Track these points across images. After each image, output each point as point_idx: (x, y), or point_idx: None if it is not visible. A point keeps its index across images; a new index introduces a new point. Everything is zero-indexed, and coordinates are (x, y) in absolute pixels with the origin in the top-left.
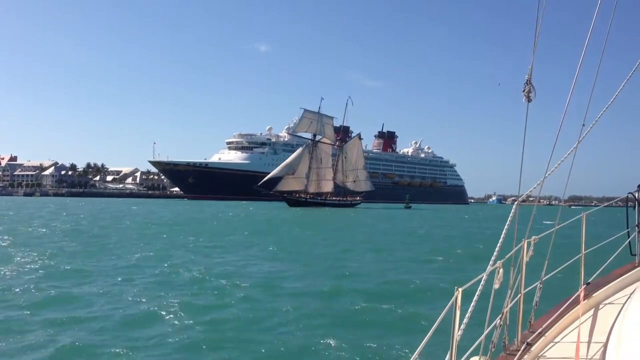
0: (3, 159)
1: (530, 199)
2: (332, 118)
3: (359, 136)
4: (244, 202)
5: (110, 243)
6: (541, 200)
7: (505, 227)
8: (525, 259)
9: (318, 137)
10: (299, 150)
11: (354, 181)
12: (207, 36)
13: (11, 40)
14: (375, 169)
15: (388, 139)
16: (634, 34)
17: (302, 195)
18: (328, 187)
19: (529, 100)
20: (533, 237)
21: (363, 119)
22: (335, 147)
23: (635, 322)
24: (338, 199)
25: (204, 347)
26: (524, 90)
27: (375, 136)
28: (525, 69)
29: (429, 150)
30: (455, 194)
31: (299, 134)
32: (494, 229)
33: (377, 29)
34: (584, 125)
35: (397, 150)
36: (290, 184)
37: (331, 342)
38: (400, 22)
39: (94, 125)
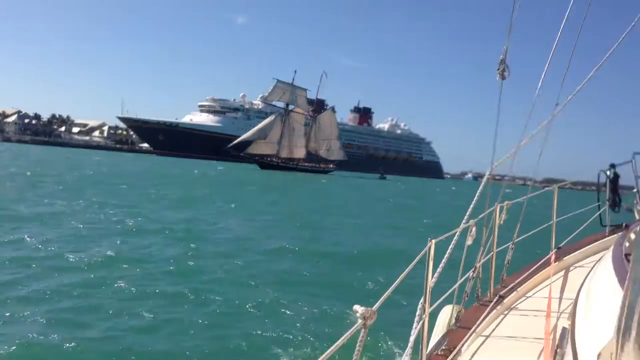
0: None
1: (506, 177)
2: (305, 90)
3: (333, 109)
4: (214, 162)
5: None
6: (516, 180)
7: (478, 192)
8: (498, 221)
9: (291, 107)
10: (271, 117)
11: (327, 149)
12: (185, 3)
13: None
14: (350, 140)
15: (364, 114)
16: (612, 15)
17: (274, 159)
18: (300, 153)
19: (503, 78)
20: (506, 202)
21: (339, 97)
22: (309, 117)
23: (605, 279)
24: (311, 165)
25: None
26: (498, 69)
27: (351, 111)
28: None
29: (405, 127)
30: (431, 169)
31: (272, 102)
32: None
33: (356, 7)
34: (557, 104)
35: (373, 126)
36: (261, 148)
37: (293, 300)
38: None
39: (60, 77)
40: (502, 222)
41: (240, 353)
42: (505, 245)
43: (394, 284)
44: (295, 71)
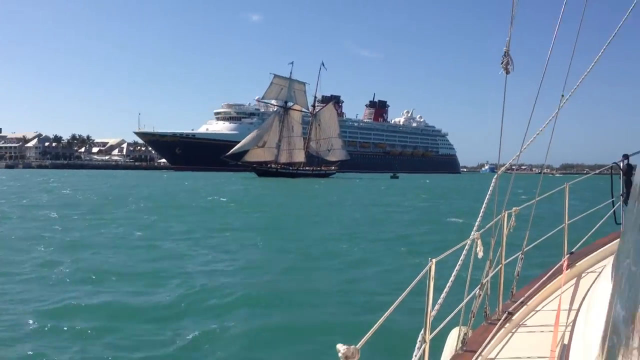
0: None
1: (523, 167)
2: (304, 84)
3: (334, 103)
4: (220, 172)
5: None
6: (533, 169)
7: (486, 200)
8: (506, 230)
9: (289, 105)
10: (269, 119)
11: (328, 150)
12: (196, 4)
13: None
14: (366, 138)
15: (379, 108)
16: (612, 2)
17: (273, 165)
18: (300, 156)
19: (507, 72)
20: (514, 208)
21: (355, 89)
22: (309, 114)
23: (605, 287)
24: (311, 168)
25: None
26: (502, 63)
27: (366, 106)
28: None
29: (421, 120)
30: (447, 164)
31: (270, 101)
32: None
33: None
34: (563, 95)
35: (389, 120)
36: (258, 155)
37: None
38: None
39: (80, 97)
40: (511, 230)
41: None
42: (515, 256)
43: (383, 316)
44: (292, 63)
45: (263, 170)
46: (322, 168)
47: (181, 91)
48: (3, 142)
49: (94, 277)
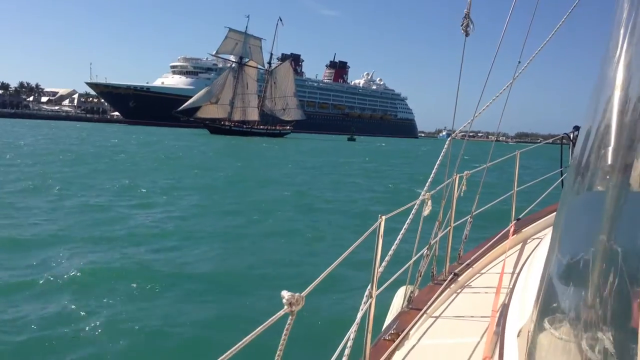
0: None
1: (480, 134)
2: (260, 39)
3: (291, 61)
4: (175, 129)
5: None
6: (490, 137)
7: (437, 162)
8: (456, 193)
9: (244, 61)
10: (223, 74)
11: (284, 109)
12: None
13: None
14: (325, 99)
15: (340, 69)
16: None
17: (226, 123)
18: (254, 115)
19: (467, 34)
20: (465, 172)
21: (316, 48)
22: (264, 72)
23: (545, 251)
24: (265, 128)
25: None
26: (462, 25)
27: (326, 66)
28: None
29: (381, 82)
30: (405, 128)
31: (224, 56)
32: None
33: None
34: (519, 62)
35: (349, 81)
36: (210, 111)
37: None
38: None
39: (28, 42)
40: (461, 194)
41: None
42: (464, 219)
43: (330, 267)
44: (248, 16)
45: (215, 127)
46: (277, 128)
47: (136, 43)
48: None
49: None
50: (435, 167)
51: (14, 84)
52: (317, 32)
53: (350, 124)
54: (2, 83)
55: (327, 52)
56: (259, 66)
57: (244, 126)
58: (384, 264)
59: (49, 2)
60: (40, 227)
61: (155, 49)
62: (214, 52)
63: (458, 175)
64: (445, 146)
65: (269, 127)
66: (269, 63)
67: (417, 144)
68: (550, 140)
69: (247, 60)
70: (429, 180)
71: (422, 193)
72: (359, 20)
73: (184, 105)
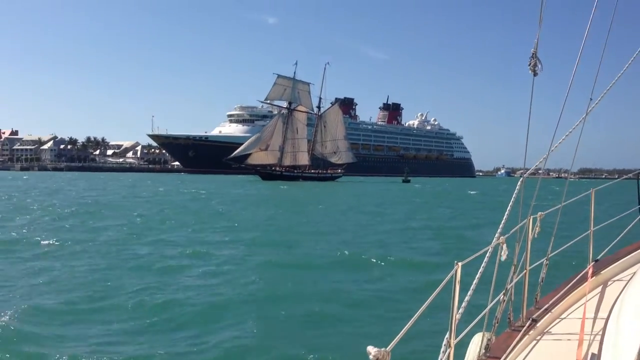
0: (4, 133)
1: (540, 171)
2: (308, 84)
3: (340, 103)
4: (229, 176)
5: None
6: (550, 173)
7: (510, 203)
8: (530, 235)
9: (293, 106)
10: (272, 121)
11: (334, 152)
12: (211, 3)
13: (16, 12)
14: (380, 141)
15: (393, 110)
16: None
17: (277, 168)
18: (304, 159)
19: (535, 74)
20: (539, 213)
21: (368, 90)
22: (314, 115)
23: (636, 295)
24: (316, 171)
25: None
26: (529, 64)
27: (380, 108)
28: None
29: (435, 123)
30: (462, 167)
31: (273, 102)
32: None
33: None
34: (591, 99)
35: (403, 122)
36: (260, 158)
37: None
38: None
39: (95, 98)
40: (536, 235)
41: None
42: (539, 262)
43: (412, 319)
44: (296, 63)
45: (267, 173)
46: (328, 171)
47: (195, 94)
48: (19, 144)
49: None
50: (508, 208)
51: (81, 139)
52: (369, 75)
53: (405, 165)
54: (71, 138)
55: (380, 94)
56: (309, 110)
57: (295, 171)
58: (460, 310)
59: (114, 62)
60: None
61: (213, 99)
62: (263, 99)
63: (532, 216)
64: (517, 186)
65: (319, 171)
66: (318, 107)
67: (494, 183)
68: (625, 177)
69: (296, 105)
70: (502, 222)
71: (496, 237)
72: (410, 62)
73: (234, 153)
